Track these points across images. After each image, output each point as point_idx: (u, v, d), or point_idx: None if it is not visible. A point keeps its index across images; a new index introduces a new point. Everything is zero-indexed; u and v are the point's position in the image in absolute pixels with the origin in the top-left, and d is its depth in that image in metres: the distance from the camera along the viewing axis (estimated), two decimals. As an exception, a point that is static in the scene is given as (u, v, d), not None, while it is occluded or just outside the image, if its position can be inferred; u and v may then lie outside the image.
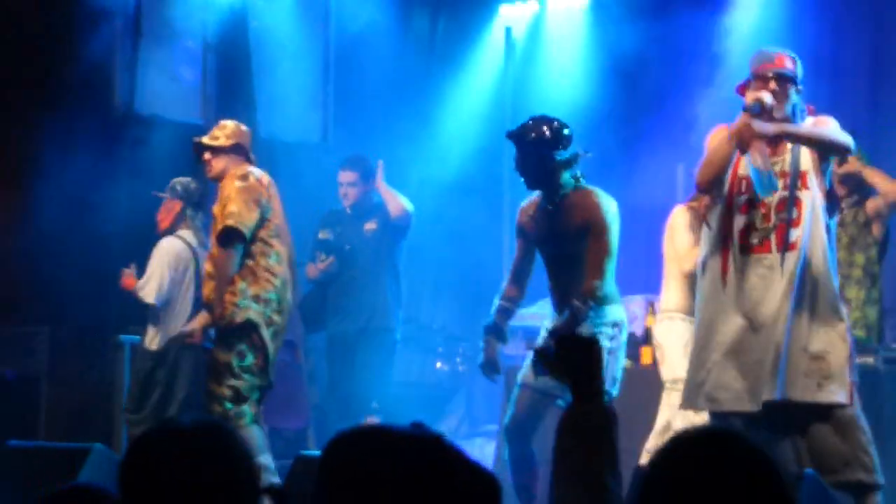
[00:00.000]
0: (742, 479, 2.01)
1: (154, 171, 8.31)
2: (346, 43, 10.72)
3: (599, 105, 9.83)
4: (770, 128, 4.86)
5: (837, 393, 4.86)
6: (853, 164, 6.91)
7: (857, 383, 5.02)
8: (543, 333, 6.08)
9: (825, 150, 5.00)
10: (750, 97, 4.95)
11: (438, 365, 9.80)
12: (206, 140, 6.59)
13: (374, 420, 7.35)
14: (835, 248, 5.09)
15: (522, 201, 6.26)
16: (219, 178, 6.54)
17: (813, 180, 4.99)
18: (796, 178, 4.97)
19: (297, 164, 9.67)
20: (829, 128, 4.99)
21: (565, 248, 5.96)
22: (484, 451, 8.18)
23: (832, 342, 4.91)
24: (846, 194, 7.00)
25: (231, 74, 10.03)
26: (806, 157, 5.01)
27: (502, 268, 10.57)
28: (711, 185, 5.06)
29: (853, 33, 9.22)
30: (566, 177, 5.92)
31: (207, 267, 6.59)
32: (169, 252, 7.74)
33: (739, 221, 5.01)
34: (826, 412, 4.87)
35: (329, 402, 8.21)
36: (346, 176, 7.99)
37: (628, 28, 9.88)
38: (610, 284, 5.88)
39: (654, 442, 6.32)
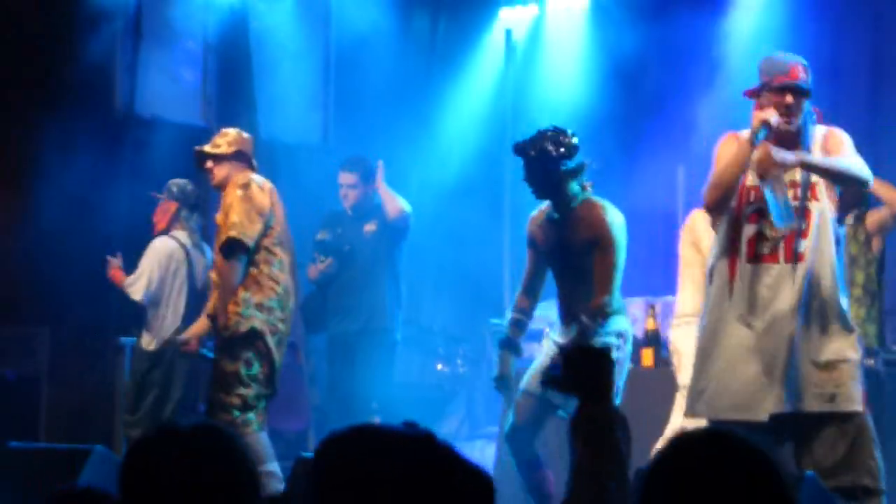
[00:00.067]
0: (742, 480, 2.01)
1: (154, 172, 8.32)
2: (347, 44, 10.72)
3: (599, 107, 9.83)
4: (791, 158, 4.82)
5: (851, 401, 4.85)
6: None
7: (866, 390, 5.01)
8: (550, 345, 6.05)
9: (843, 183, 4.99)
10: (756, 119, 4.90)
11: (439, 367, 9.79)
12: (207, 148, 6.57)
13: (374, 421, 7.36)
14: (843, 258, 5.06)
15: (532, 211, 6.26)
16: (222, 186, 6.52)
17: (823, 192, 4.96)
18: (806, 189, 4.94)
19: (297, 165, 9.67)
20: (848, 156, 4.93)
21: (572, 261, 5.97)
22: (485, 452, 8.18)
23: (842, 351, 4.89)
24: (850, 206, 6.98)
25: (232, 76, 10.03)
26: None
27: (503, 269, 10.58)
28: (720, 207, 5.02)
29: (853, 35, 9.22)
30: (574, 186, 5.94)
31: (213, 276, 6.58)
32: (161, 251, 7.81)
33: (748, 230, 4.98)
34: (837, 419, 4.85)
35: (329, 402, 8.21)
36: (345, 177, 8.00)
37: (628, 30, 9.89)
38: (616, 298, 5.90)
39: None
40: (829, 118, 5.19)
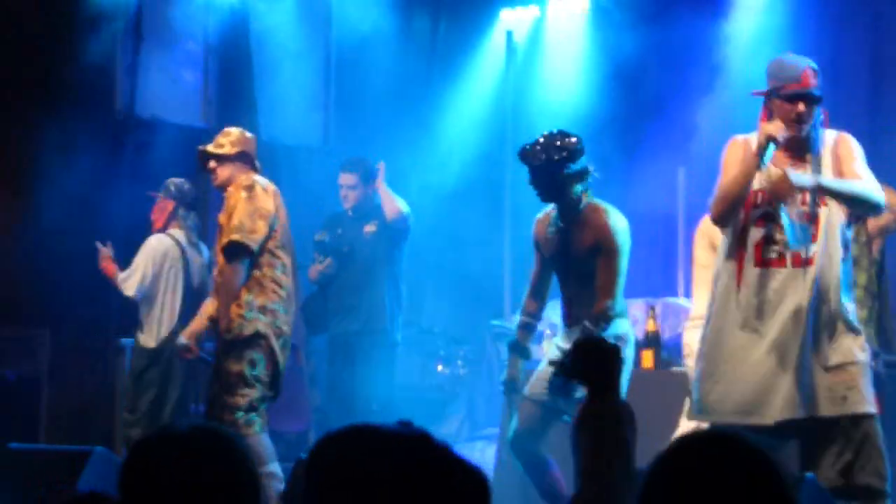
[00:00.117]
0: (743, 481, 2.02)
1: (155, 174, 8.32)
2: (348, 45, 10.72)
3: (600, 109, 9.84)
4: (808, 182, 4.80)
5: (863, 403, 4.85)
6: None
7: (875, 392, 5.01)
8: (553, 350, 6.05)
9: (856, 207, 4.98)
10: (763, 134, 4.86)
11: (439, 368, 9.80)
12: (210, 148, 6.53)
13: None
14: (850, 263, 5.04)
15: (534, 213, 6.26)
16: (224, 187, 6.49)
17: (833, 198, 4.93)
18: (815, 194, 4.91)
19: (298, 166, 9.68)
20: (862, 178, 4.90)
21: (575, 265, 5.98)
22: (485, 454, 8.18)
23: (851, 354, 4.88)
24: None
25: (232, 77, 10.03)
26: (829, 173, 4.95)
27: (503, 271, 10.59)
28: (728, 219, 4.99)
29: (853, 35, 9.22)
30: (578, 189, 5.94)
31: (217, 278, 6.55)
32: (156, 248, 7.86)
33: (755, 234, 4.95)
34: (847, 421, 4.84)
35: (329, 403, 8.21)
36: (345, 178, 8.00)
37: (629, 32, 9.89)
38: (619, 302, 5.90)
39: None
40: (830, 118, 5.18)
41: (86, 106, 9.01)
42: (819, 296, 4.87)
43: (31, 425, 8.55)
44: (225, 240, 6.33)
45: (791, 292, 4.88)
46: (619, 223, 5.92)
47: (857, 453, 4.84)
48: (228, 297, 6.29)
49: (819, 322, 4.87)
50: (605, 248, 5.87)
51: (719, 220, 5.03)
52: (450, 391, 9.72)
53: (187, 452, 2.28)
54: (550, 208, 6.10)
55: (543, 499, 6.01)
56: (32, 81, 8.92)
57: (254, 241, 6.31)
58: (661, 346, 7.14)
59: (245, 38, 10.07)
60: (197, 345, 6.66)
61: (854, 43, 9.19)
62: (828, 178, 4.87)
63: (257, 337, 6.28)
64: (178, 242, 7.94)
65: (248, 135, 6.64)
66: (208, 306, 6.62)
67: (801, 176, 4.82)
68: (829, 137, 5.03)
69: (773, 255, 4.92)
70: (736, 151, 5.05)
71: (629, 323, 6.04)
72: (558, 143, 5.91)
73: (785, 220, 4.86)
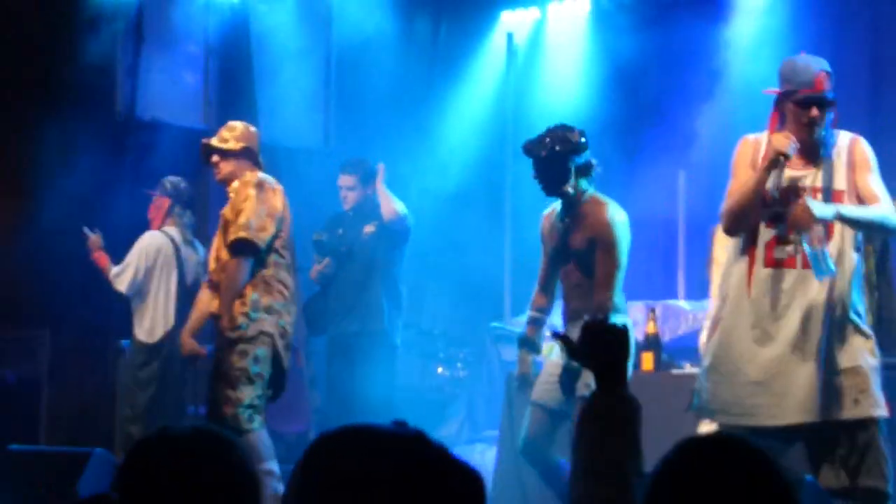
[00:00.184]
0: (747, 485, 2.02)
1: (156, 175, 8.32)
2: (348, 47, 10.72)
3: (600, 112, 9.84)
4: (829, 213, 4.77)
5: (874, 407, 4.83)
6: None
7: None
8: (556, 352, 6.06)
9: (874, 233, 4.96)
10: (772, 150, 4.82)
11: (439, 370, 9.80)
12: (214, 142, 6.49)
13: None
14: (862, 266, 5.00)
15: (533, 212, 6.29)
16: (227, 181, 6.47)
17: (847, 201, 4.89)
18: (829, 196, 4.88)
19: (298, 168, 9.67)
20: (880, 202, 4.87)
21: (575, 258, 6.00)
22: (485, 456, 8.18)
23: (861, 356, 4.86)
24: None
25: (233, 79, 10.04)
26: (842, 176, 4.92)
27: (503, 272, 10.59)
28: (739, 231, 4.96)
29: (853, 35, 9.22)
30: (582, 183, 5.97)
31: (215, 275, 6.51)
32: (149, 245, 7.92)
33: (766, 234, 4.92)
34: (856, 425, 4.83)
35: (329, 405, 8.21)
36: (344, 180, 8.02)
37: (629, 35, 9.89)
38: (618, 296, 5.91)
39: None
40: (830, 119, 5.17)
41: (86, 107, 9.01)
42: (831, 297, 4.84)
43: (31, 426, 8.55)
44: (233, 236, 6.29)
45: (802, 293, 4.84)
46: (617, 216, 5.94)
47: (862, 456, 4.82)
48: (231, 294, 6.26)
49: (831, 324, 4.84)
50: (603, 241, 5.89)
51: (730, 232, 4.98)
52: (449, 393, 9.72)
53: (187, 453, 2.28)
54: (557, 203, 6.12)
55: (561, 501, 6.01)
56: (33, 82, 8.92)
57: (262, 240, 6.30)
58: (661, 348, 7.14)
59: (245, 40, 10.07)
60: (200, 344, 6.63)
61: (854, 43, 9.20)
62: (847, 209, 4.83)
63: (262, 335, 6.27)
64: (172, 240, 8.00)
65: (252, 129, 6.60)
66: (205, 301, 6.55)
67: (823, 208, 4.76)
68: (843, 140, 4.99)
69: (784, 256, 4.88)
70: (746, 151, 5.02)
71: (629, 319, 6.04)
72: (562, 135, 5.97)
73: (808, 251, 4.78)
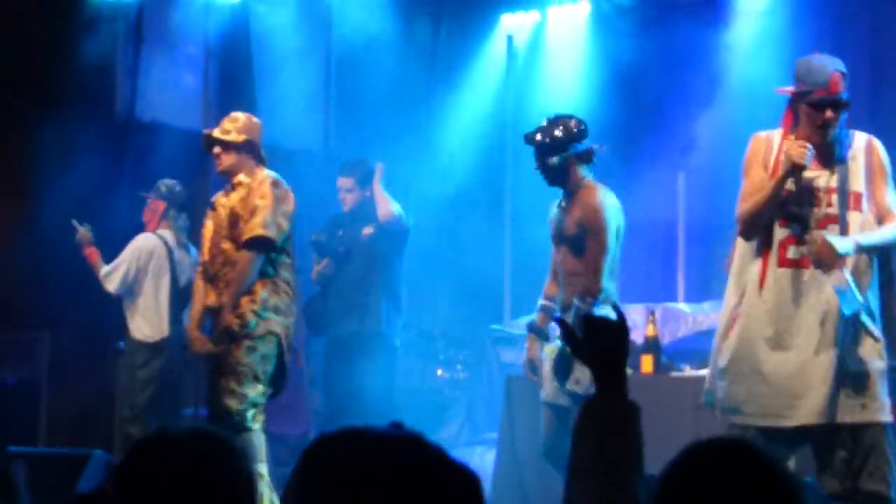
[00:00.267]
0: (752, 487, 2.02)
1: (155, 177, 8.33)
2: (348, 49, 10.72)
3: (600, 114, 9.82)
4: (849, 247, 4.75)
5: (881, 411, 4.82)
6: None
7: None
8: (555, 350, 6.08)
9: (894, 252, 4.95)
10: (788, 160, 4.78)
11: (439, 372, 9.79)
12: (216, 133, 6.45)
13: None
14: (876, 268, 4.96)
15: (530, 213, 6.33)
16: (228, 173, 6.43)
17: (865, 204, 4.88)
18: (846, 198, 4.85)
19: (298, 169, 9.66)
20: (894, 211, 4.87)
21: (568, 244, 6.04)
22: (485, 458, 8.18)
23: (871, 360, 4.84)
24: None
25: (233, 80, 10.03)
26: (859, 179, 4.90)
27: (503, 274, 10.59)
28: (754, 237, 4.92)
29: (853, 38, 9.22)
30: (583, 170, 6.01)
31: (226, 270, 6.41)
32: (142, 247, 7.96)
33: (780, 234, 4.89)
34: (862, 429, 4.82)
35: (328, 406, 8.19)
36: (343, 182, 8.02)
37: (629, 37, 9.89)
38: (607, 281, 5.92)
39: None
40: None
41: (86, 108, 9.01)
42: (839, 286, 4.79)
43: (31, 429, 8.55)
44: (251, 234, 6.25)
45: (815, 294, 4.82)
46: (607, 201, 5.98)
47: (866, 459, 4.80)
48: (239, 289, 6.23)
49: (844, 326, 4.81)
50: (592, 224, 5.94)
51: (746, 236, 4.95)
52: (449, 395, 9.72)
53: (185, 454, 2.28)
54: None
55: None
56: (33, 83, 8.92)
57: (278, 240, 6.30)
58: (661, 350, 7.13)
59: (245, 41, 10.07)
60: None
61: (854, 44, 9.20)
62: (865, 237, 4.81)
63: (269, 335, 6.26)
64: (165, 242, 8.03)
65: (255, 120, 6.57)
66: (202, 295, 6.45)
67: (843, 242, 4.73)
68: (858, 140, 4.96)
69: (799, 256, 4.85)
70: (758, 149, 4.97)
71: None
72: (561, 123, 6.06)
73: (835, 290, 4.76)
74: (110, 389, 8.71)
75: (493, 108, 10.89)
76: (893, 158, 5.06)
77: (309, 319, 8.23)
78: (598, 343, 2.57)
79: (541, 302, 6.28)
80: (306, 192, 8.95)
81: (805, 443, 4.93)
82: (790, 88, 4.92)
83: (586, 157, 6.06)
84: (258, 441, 6.18)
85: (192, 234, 8.24)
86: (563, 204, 6.09)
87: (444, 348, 9.82)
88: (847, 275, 4.76)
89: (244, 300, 6.25)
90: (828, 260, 4.73)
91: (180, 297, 7.94)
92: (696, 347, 7.76)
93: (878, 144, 4.97)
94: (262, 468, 6.19)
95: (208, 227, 6.51)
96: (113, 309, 8.27)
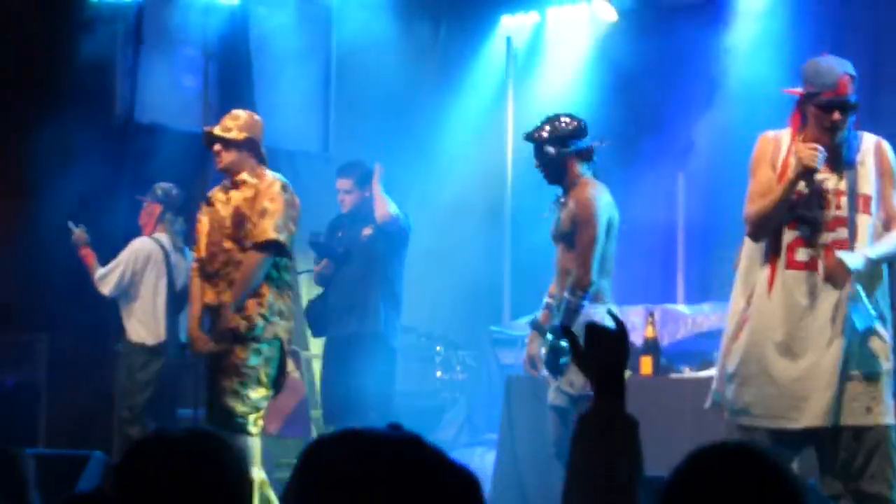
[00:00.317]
0: (757, 492, 2.02)
1: (155, 179, 8.33)
2: (348, 51, 10.73)
3: (599, 115, 9.82)
4: (860, 263, 4.74)
5: (886, 415, 4.82)
6: None
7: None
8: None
9: None
10: (800, 163, 4.76)
11: (439, 374, 9.79)
12: (217, 131, 6.41)
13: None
14: (886, 267, 4.94)
15: (530, 216, 6.35)
16: (227, 171, 6.39)
17: (874, 207, 4.87)
18: (855, 200, 4.85)
19: (297, 172, 9.67)
20: None
21: (564, 241, 6.06)
22: (484, 460, 8.17)
23: (878, 362, 4.84)
24: None
25: (232, 82, 10.04)
26: (869, 181, 4.89)
27: (502, 276, 10.59)
28: (763, 238, 4.91)
29: (852, 39, 9.21)
30: (583, 168, 6.03)
31: (229, 270, 6.38)
32: (138, 251, 7.99)
33: (788, 236, 4.87)
34: (866, 432, 4.81)
35: (327, 407, 8.18)
36: (341, 183, 8.03)
37: (629, 39, 9.90)
38: (600, 277, 5.93)
39: None
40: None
41: (85, 110, 9.01)
42: (851, 301, 4.81)
43: (30, 431, 8.55)
44: (264, 237, 6.23)
45: (824, 297, 4.81)
46: (598, 195, 6.00)
47: (868, 462, 4.80)
48: (244, 290, 6.21)
49: (850, 328, 4.81)
50: (581, 217, 5.95)
51: (754, 237, 4.93)
52: (449, 397, 9.72)
53: (183, 454, 2.29)
54: None
55: None
56: (33, 83, 8.92)
57: (288, 244, 6.32)
58: (660, 352, 7.13)
59: (245, 43, 10.07)
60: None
61: (854, 44, 9.20)
62: (874, 250, 4.80)
63: (275, 339, 6.27)
64: (162, 246, 8.03)
65: (257, 118, 6.54)
66: (199, 293, 6.41)
67: (854, 259, 4.74)
68: (867, 142, 4.95)
69: (807, 258, 4.84)
70: (766, 149, 4.95)
71: (614, 307, 6.06)
72: (561, 121, 6.12)
73: (848, 306, 4.77)
74: (109, 391, 8.71)
75: (492, 109, 10.90)
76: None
77: (310, 320, 8.24)
78: (598, 351, 2.57)
79: (546, 300, 6.30)
80: (306, 194, 8.97)
81: (811, 444, 4.93)
82: (798, 90, 4.91)
83: (586, 155, 6.10)
84: (255, 446, 6.17)
85: (190, 238, 8.25)
86: (561, 201, 6.12)
87: (444, 350, 9.82)
88: (859, 289, 4.78)
89: (251, 303, 6.23)
90: (841, 278, 4.74)
91: (177, 300, 7.95)
92: (696, 349, 7.76)
93: (887, 146, 4.97)
94: (259, 472, 6.20)
95: (204, 222, 6.47)
96: (112, 311, 8.27)
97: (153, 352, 7.98)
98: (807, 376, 4.81)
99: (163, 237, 8.08)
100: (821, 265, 4.82)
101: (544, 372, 6.11)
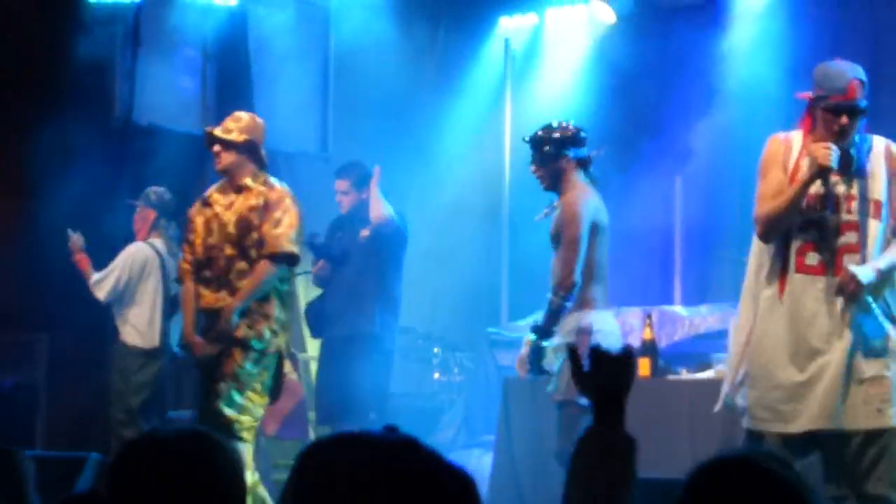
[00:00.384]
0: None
1: (153, 181, 8.34)
2: (347, 53, 10.73)
3: (597, 117, 9.84)
4: (871, 275, 4.75)
5: (895, 417, 4.83)
6: None
7: None
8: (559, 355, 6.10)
9: None
10: (813, 163, 4.76)
11: (436, 375, 9.80)
12: (218, 132, 6.39)
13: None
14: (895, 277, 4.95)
15: (529, 218, 6.36)
16: (227, 172, 6.36)
17: (885, 212, 4.87)
18: (866, 205, 4.84)
19: (296, 173, 9.68)
20: None
21: (553, 246, 6.06)
22: (482, 461, 8.17)
23: (886, 365, 4.83)
24: None
25: (231, 83, 10.04)
26: (880, 186, 4.89)
27: (501, 278, 10.59)
28: (773, 239, 4.90)
29: (852, 40, 9.22)
30: (577, 176, 6.04)
31: (232, 277, 6.35)
32: (134, 256, 7.99)
33: (798, 240, 4.87)
34: (875, 434, 4.81)
35: (321, 408, 8.18)
36: (339, 184, 8.04)
37: (628, 40, 9.90)
38: (595, 285, 5.94)
39: None
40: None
41: (84, 110, 9.01)
42: (859, 305, 4.81)
43: (29, 432, 8.56)
44: (279, 249, 6.20)
45: (830, 301, 4.81)
46: (583, 197, 6.00)
47: (876, 464, 4.80)
48: (250, 298, 6.19)
49: (858, 332, 4.82)
50: (563, 220, 5.98)
51: (764, 238, 4.92)
52: (446, 398, 9.72)
53: (176, 455, 2.30)
54: None
55: None
56: (32, 83, 8.92)
57: (300, 255, 6.35)
58: (658, 354, 7.13)
59: (243, 45, 10.08)
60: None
61: (853, 45, 9.21)
62: (884, 261, 4.81)
63: (277, 352, 6.27)
64: (157, 252, 8.03)
65: (259, 121, 6.51)
66: (192, 297, 6.36)
67: (865, 272, 4.74)
68: (878, 145, 4.96)
69: (815, 262, 4.84)
70: (776, 150, 4.94)
71: (609, 315, 6.06)
72: (559, 128, 6.12)
73: (860, 318, 4.79)
74: (108, 393, 8.71)
75: (490, 110, 10.90)
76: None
77: (310, 320, 8.25)
78: (599, 375, 2.56)
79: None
80: (304, 196, 8.97)
81: (819, 446, 4.92)
82: (808, 93, 4.92)
83: (583, 164, 6.09)
84: (248, 452, 6.16)
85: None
86: (555, 205, 6.13)
87: (441, 352, 9.82)
88: (870, 300, 4.79)
89: (259, 316, 6.22)
90: (855, 292, 4.75)
91: (171, 306, 7.96)
92: (693, 351, 7.76)
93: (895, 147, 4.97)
94: (252, 476, 6.20)
95: (198, 222, 6.41)
96: (111, 312, 8.28)
97: (149, 355, 7.99)
98: (816, 379, 4.81)
99: (158, 242, 8.08)
100: (828, 269, 4.81)
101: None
